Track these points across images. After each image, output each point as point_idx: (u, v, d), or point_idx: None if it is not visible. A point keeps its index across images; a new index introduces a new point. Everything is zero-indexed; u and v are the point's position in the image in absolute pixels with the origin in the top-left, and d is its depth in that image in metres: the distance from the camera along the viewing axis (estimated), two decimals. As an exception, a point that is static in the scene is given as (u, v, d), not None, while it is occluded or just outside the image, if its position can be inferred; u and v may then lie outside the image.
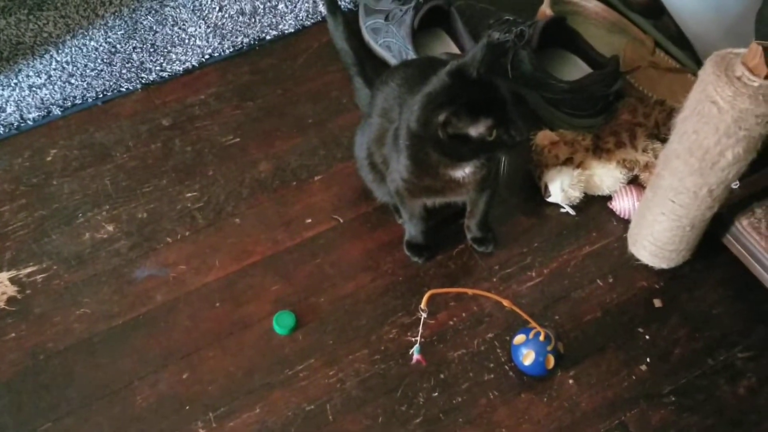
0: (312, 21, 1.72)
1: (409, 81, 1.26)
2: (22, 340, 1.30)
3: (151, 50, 1.66)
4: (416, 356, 1.21)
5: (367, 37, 1.69)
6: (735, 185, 1.23)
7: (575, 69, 1.60)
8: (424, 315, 1.18)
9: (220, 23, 1.71)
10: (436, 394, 1.27)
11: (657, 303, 1.38)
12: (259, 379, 1.27)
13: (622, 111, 1.52)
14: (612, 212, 1.48)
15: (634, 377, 1.30)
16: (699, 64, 1.58)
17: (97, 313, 1.33)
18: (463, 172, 1.22)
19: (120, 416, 1.23)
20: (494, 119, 1.14)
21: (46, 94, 1.58)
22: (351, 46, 1.44)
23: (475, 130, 1.15)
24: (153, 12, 1.72)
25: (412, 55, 1.58)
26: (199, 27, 1.70)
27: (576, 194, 1.46)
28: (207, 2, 1.74)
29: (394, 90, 1.27)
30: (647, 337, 1.34)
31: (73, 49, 1.65)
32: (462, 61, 1.15)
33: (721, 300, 1.39)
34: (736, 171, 1.19)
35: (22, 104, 1.56)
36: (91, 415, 1.23)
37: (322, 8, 1.73)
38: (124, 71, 1.62)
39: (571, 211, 1.48)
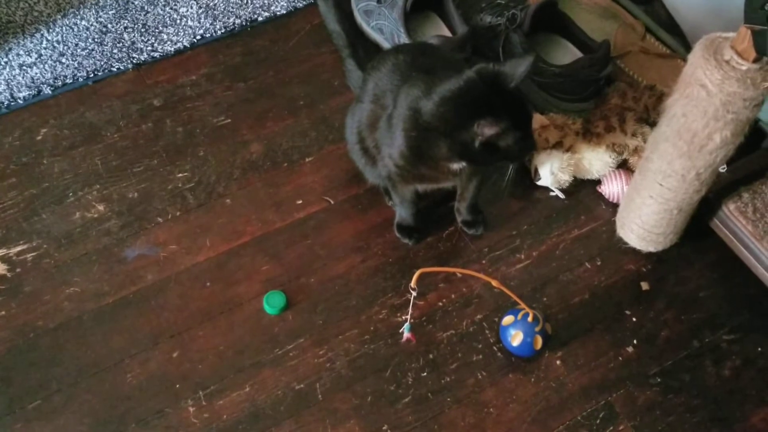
0: (304, 2, 1.72)
1: (402, 68, 1.26)
2: (11, 319, 1.30)
3: (143, 30, 1.65)
4: (406, 334, 1.22)
5: (359, 19, 1.69)
6: (722, 169, 1.25)
7: (566, 53, 1.60)
8: (413, 294, 1.19)
9: (212, 4, 1.70)
10: (425, 374, 1.28)
11: (644, 286, 1.39)
12: (249, 358, 1.28)
13: (612, 95, 1.53)
14: (601, 196, 1.49)
15: (620, 359, 1.32)
16: (689, 49, 1.57)
17: (87, 291, 1.33)
18: (461, 164, 1.23)
19: (109, 394, 1.24)
20: (522, 132, 1.16)
21: (36, 73, 1.58)
22: (343, 28, 1.44)
23: (505, 142, 1.16)
24: (144, -8, 1.71)
25: (404, 37, 1.58)
26: (191, 7, 1.70)
27: (565, 178, 1.47)
28: (199, -17, 1.74)
29: (385, 76, 1.27)
30: (634, 319, 1.36)
31: (64, 28, 1.65)
32: (499, 69, 1.15)
33: (708, 283, 1.40)
34: (724, 154, 1.20)
35: (12, 83, 1.56)
36: (81, 392, 1.24)
37: (314, -10, 1.73)
38: (115, 51, 1.62)
39: (561, 195, 1.48)
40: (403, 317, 1.29)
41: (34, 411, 1.22)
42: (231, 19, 1.69)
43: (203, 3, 1.71)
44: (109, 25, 1.66)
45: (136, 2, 1.70)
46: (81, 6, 1.68)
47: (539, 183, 1.48)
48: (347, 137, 1.41)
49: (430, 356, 1.30)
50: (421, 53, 1.32)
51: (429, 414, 1.25)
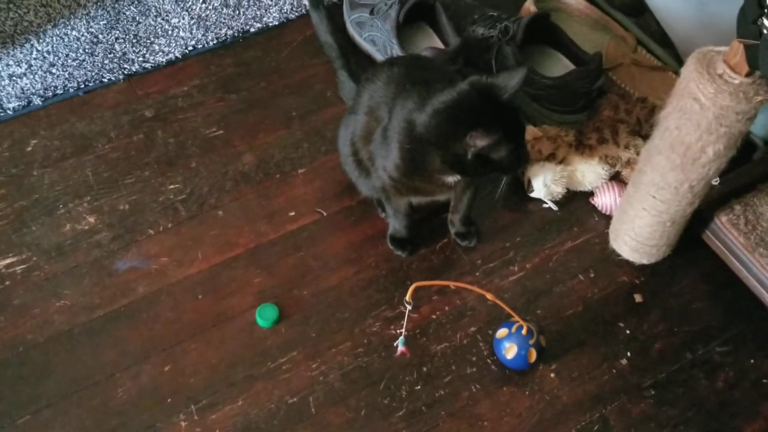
0: (296, 14, 1.72)
1: (396, 80, 1.26)
2: (1, 332, 1.28)
3: (134, 41, 1.65)
4: (401, 348, 1.21)
5: (352, 30, 1.69)
6: (715, 182, 1.25)
7: (558, 65, 1.61)
8: (408, 308, 1.19)
9: (203, 15, 1.70)
10: (419, 387, 1.28)
11: (637, 298, 1.40)
12: (241, 371, 1.27)
13: (605, 107, 1.53)
14: (594, 208, 1.49)
15: (614, 371, 1.31)
16: (680, 62, 1.60)
17: (77, 304, 1.32)
18: (455, 177, 1.23)
19: (100, 409, 1.22)
20: (514, 144, 1.16)
21: (26, 84, 1.56)
22: (335, 40, 1.44)
23: (498, 154, 1.16)
24: (136, 2, 1.71)
25: (396, 49, 1.58)
26: (183, 18, 1.69)
27: (558, 190, 1.47)
28: (190, -7, 1.73)
29: (380, 89, 1.27)
30: (627, 331, 1.36)
31: (54, 38, 1.64)
32: (493, 81, 1.16)
33: (700, 295, 1.41)
34: (717, 167, 1.20)
35: (1, 94, 1.54)
36: (71, 407, 1.22)
37: (306, 0, 1.73)
38: (106, 62, 1.61)
39: (554, 207, 1.49)
40: (397, 330, 1.29)
41: (23, 426, 1.20)
42: (223, 30, 1.68)
43: (195, 14, 1.70)
44: (100, 36, 1.65)
45: (127, 13, 1.69)
46: (72, 16, 1.67)
47: (532, 195, 1.48)
48: (340, 149, 1.40)
49: (424, 369, 1.29)
50: (416, 65, 1.32)
51: (423, 427, 1.24)
